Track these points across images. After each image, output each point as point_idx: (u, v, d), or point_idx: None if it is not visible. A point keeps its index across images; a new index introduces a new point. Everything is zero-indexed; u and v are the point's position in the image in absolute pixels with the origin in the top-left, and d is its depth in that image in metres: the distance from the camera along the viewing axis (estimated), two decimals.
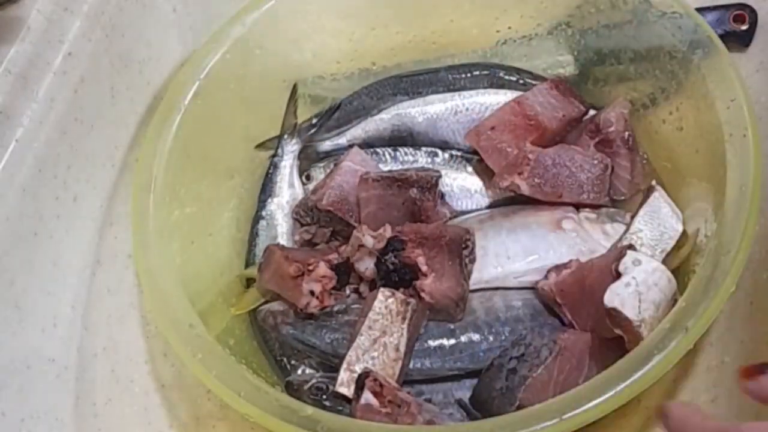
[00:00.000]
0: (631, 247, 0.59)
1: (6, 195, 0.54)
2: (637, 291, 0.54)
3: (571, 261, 0.61)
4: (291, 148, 0.72)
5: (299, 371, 0.64)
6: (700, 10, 0.61)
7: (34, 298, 0.55)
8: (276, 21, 0.69)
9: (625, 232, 0.62)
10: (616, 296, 0.54)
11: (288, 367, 0.64)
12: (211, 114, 0.67)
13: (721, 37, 0.59)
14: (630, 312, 0.54)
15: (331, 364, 0.61)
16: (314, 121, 0.74)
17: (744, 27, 0.66)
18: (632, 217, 0.62)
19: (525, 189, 0.64)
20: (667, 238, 0.60)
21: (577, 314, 0.59)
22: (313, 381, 0.59)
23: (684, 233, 0.60)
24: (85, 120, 0.61)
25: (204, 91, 0.66)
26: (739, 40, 0.66)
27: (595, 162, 0.65)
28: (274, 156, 0.73)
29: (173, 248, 0.60)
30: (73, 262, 0.59)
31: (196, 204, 0.66)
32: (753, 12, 0.66)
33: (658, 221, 0.61)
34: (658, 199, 0.62)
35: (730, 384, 0.54)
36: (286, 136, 0.73)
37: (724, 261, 0.50)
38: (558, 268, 0.61)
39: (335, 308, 0.62)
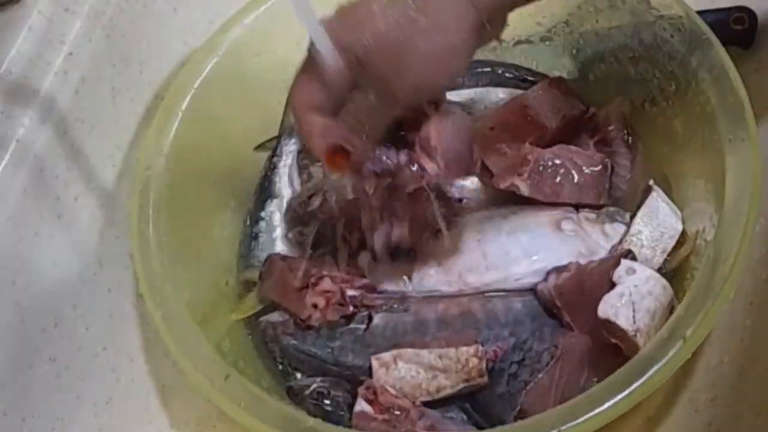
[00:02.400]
0: (629, 253, 0.59)
1: (7, 195, 0.54)
2: (630, 301, 0.54)
3: (570, 264, 0.61)
4: (290, 149, 0.72)
5: (300, 376, 0.63)
6: (699, 13, 0.61)
7: (35, 298, 0.55)
8: (276, 21, 0.69)
9: (625, 233, 0.62)
10: (609, 307, 0.54)
11: (289, 371, 0.64)
12: (211, 114, 0.67)
13: (721, 39, 0.59)
14: (624, 322, 0.54)
15: (332, 373, 0.61)
16: None
17: (744, 29, 0.66)
18: (631, 218, 0.62)
19: (524, 189, 0.64)
20: (667, 237, 0.60)
21: (576, 317, 0.59)
22: (314, 386, 0.59)
23: (684, 232, 0.60)
24: (86, 120, 0.62)
25: (204, 92, 0.66)
26: (739, 42, 0.66)
27: (595, 162, 0.64)
28: (273, 156, 0.73)
29: (174, 249, 0.60)
30: (73, 262, 0.59)
31: (196, 204, 0.66)
32: (753, 14, 0.66)
33: (657, 221, 0.61)
34: (656, 200, 0.62)
35: (730, 383, 0.54)
36: (285, 137, 0.72)
37: (722, 268, 0.50)
38: (558, 270, 0.61)
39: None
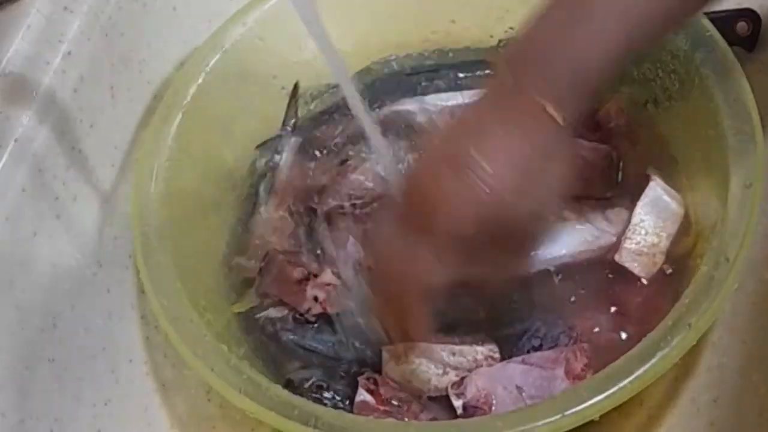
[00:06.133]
0: None
1: (5, 195, 0.54)
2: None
3: None
4: (291, 146, 0.72)
5: (299, 369, 0.63)
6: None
7: (34, 298, 0.55)
8: (276, 20, 0.69)
9: (628, 219, 0.61)
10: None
11: (286, 365, 0.64)
12: (212, 114, 0.67)
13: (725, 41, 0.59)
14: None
15: (333, 367, 0.60)
16: (314, 118, 0.74)
17: (748, 31, 0.65)
18: (633, 208, 0.62)
19: None
20: (671, 223, 0.60)
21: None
22: (314, 379, 0.58)
23: (687, 217, 0.60)
24: (85, 120, 0.61)
25: (204, 91, 0.66)
26: (742, 44, 0.65)
27: (600, 153, 0.64)
28: (274, 154, 0.72)
29: (174, 246, 0.59)
30: (73, 262, 0.59)
31: (196, 203, 0.66)
32: (757, 17, 0.66)
33: (658, 209, 0.61)
34: (655, 189, 0.61)
35: (732, 384, 0.54)
36: (285, 134, 0.72)
37: (727, 257, 0.50)
38: None
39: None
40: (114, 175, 0.64)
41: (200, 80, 0.66)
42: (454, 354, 0.57)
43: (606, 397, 0.46)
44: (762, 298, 0.55)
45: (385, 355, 0.58)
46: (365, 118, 0.61)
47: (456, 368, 0.57)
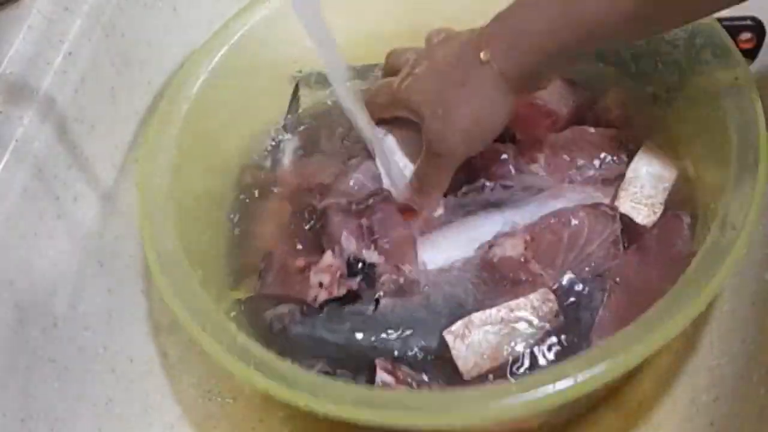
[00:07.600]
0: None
1: (6, 195, 0.54)
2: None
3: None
4: (291, 146, 0.72)
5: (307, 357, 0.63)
6: None
7: (34, 298, 0.55)
8: (277, 19, 0.69)
9: (621, 182, 0.62)
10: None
11: (298, 355, 0.63)
12: (213, 113, 0.67)
13: None
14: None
15: (347, 356, 0.59)
16: (315, 116, 0.74)
17: (751, 41, 0.65)
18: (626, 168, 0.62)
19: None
20: (668, 175, 0.61)
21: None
22: (320, 365, 0.58)
23: (686, 176, 0.61)
24: (85, 120, 0.61)
25: (205, 91, 0.66)
26: (746, 53, 0.65)
27: (608, 136, 0.64)
28: (276, 152, 0.73)
29: (180, 241, 0.59)
30: (73, 262, 0.59)
31: (199, 203, 0.66)
32: (760, 25, 0.66)
33: (651, 167, 0.62)
34: (648, 153, 0.62)
35: (732, 384, 0.54)
36: (286, 133, 0.73)
37: (732, 226, 0.50)
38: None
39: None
40: (115, 175, 0.64)
41: (201, 80, 0.66)
42: (512, 310, 0.56)
43: (617, 362, 0.45)
44: (762, 298, 0.55)
45: (448, 338, 0.56)
46: (365, 129, 0.63)
47: (518, 321, 0.56)
